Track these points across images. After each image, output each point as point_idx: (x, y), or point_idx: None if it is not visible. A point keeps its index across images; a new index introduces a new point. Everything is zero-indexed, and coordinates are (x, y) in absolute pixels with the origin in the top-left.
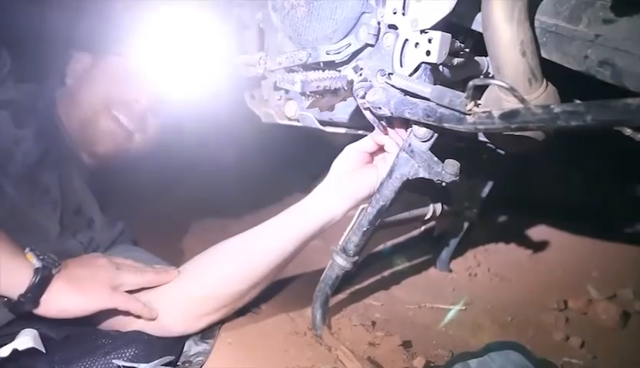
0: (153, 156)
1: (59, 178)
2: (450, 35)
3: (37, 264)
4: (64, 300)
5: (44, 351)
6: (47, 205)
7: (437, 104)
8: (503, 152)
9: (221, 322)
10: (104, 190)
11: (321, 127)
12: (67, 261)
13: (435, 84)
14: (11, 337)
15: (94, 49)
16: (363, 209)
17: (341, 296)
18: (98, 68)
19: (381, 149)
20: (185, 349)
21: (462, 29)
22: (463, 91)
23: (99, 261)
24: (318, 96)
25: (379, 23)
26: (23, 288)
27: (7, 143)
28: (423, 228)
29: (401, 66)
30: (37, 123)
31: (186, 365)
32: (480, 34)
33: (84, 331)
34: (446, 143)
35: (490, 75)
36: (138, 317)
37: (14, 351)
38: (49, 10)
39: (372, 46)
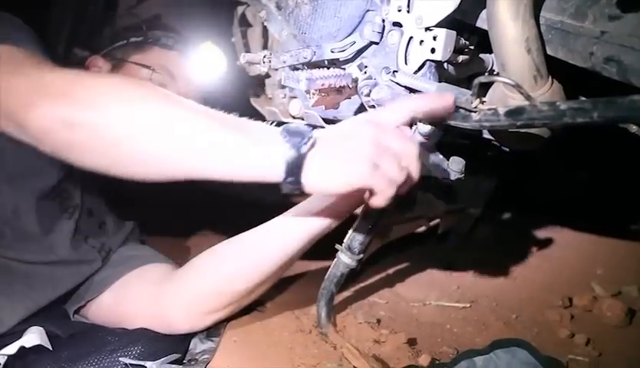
0: None
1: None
2: (454, 32)
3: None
4: (323, 178)
5: (51, 348)
6: (68, 211)
7: None
8: (507, 149)
9: (226, 320)
10: (111, 192)
11: (325, 125)
12: (320, 134)
13: (440, 82)
14: (19, 335)
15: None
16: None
17: (345, 294)
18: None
19: None
20: (191, 346)
21: (467, 26)
22: (468, 89)
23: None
24: (322, 94)
25: (383, 21)
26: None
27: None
28: (428, 225)
29: (406, 63)
30: None
31: (192, 363)
32: (485, 32)
33: (91, 329)
34: (450, 141)
35: (495, 72)
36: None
37: (22, 348)
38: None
39: (377, 44)
